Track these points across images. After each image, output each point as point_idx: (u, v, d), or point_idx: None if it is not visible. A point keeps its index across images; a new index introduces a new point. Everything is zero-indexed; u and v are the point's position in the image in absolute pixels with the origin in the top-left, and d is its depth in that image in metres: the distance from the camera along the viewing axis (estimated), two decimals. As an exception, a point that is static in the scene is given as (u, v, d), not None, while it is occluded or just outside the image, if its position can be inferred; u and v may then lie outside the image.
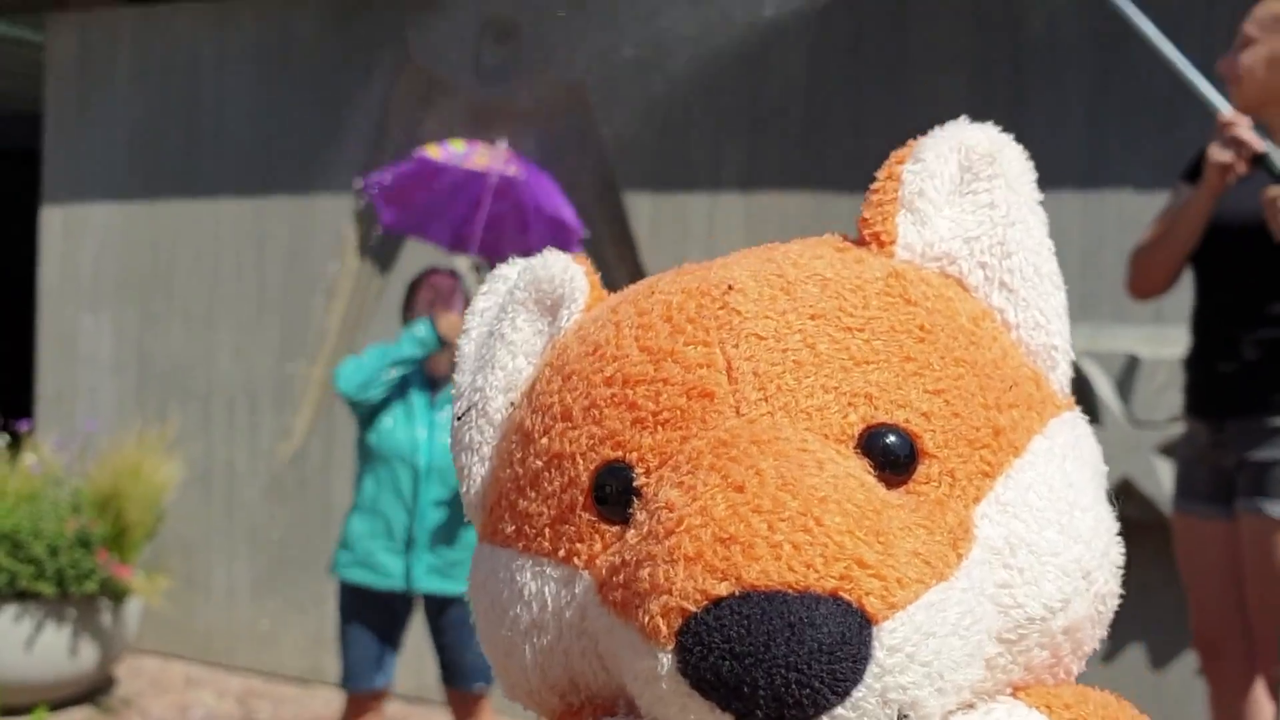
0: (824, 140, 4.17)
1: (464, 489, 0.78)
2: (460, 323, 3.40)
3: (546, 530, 0.68)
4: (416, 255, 4.42)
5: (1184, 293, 2.86)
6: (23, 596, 4.38)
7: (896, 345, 0.67)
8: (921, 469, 0.64)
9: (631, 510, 0.64)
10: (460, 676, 3.32)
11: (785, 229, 4.16)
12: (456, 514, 3.24)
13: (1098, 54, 3.77)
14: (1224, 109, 2.55)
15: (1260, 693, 2.68)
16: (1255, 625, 2.63)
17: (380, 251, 4.83)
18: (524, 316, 0.77)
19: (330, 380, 4.19)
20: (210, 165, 5.21)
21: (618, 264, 4.34)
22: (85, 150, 5.46)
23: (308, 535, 4.91)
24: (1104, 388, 3.58)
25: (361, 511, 3.30)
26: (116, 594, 4.53)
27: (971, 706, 0.62)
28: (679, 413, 0.65)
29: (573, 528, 0.67)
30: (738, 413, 0.64)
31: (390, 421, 3.28)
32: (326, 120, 4.93)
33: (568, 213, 3.70)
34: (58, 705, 4.51)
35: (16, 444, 4.88)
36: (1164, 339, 3.51)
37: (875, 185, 0.75)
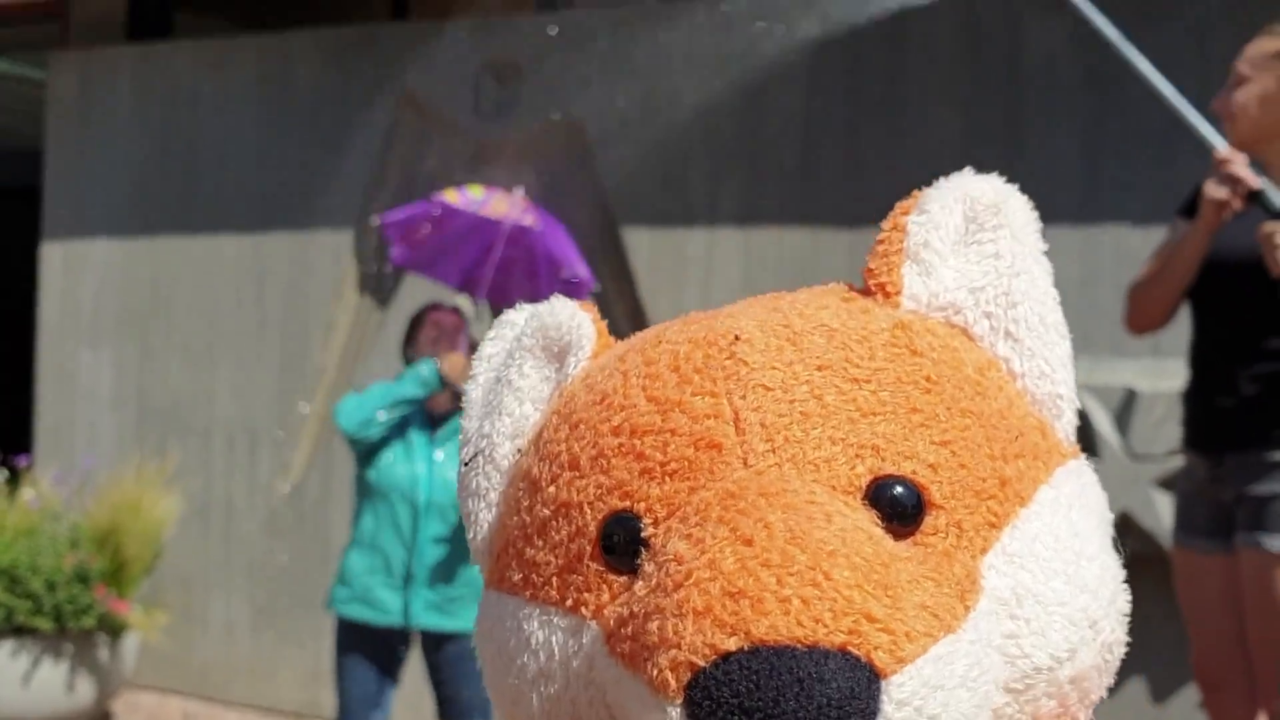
0: (821, 177, 4.19)
1: (471, 535, 0.77)
2: (464, 363, 3.40)
3: (554, 579, 0.68)
4: (416, 291, 4.43)
5: (1182, 325, 2.87)
6: (20, 632, 4.37)
7: (903, 396, 0.67)
8: (929, 520, 0.64)
9: (639, 561, 0.64)
10: (458, 713, 3.30)
11: (782, 265, 4.18)
12: (455, 550, 3.24)
13: (1094, 91, 3.80)
14: (1219, 145, 2.57)
15: (1262, 728, 2.68)
16: (1256, 660, 2.63)
17: (379, 287, 4.84)
18: (531, 363, 0.77)
19: (329, 416, 4.19)
20: (210, 202, 5.22)
21: (616, 299, 4.35)
22: (86, 187, 5.48)
23: (306, 570, 4.89)
24: (1102, 421, 3.58)
25: (360, 547, 3.29)
26: (114, 629, 4.52)
27: None
28: (686, 463, 0.65)
29: (580, 577, 0.66)
30: (745, 464, 0.64)
31: (390, 457, 3.27)
32: (326, 158, 4.95)
33: (580, 265, 3.72)
34: (54, 742, 4.49)
35: (15, 479, 4.88)
36: (1162, 372, 3.52)
37: (880, 236, 0.75)
